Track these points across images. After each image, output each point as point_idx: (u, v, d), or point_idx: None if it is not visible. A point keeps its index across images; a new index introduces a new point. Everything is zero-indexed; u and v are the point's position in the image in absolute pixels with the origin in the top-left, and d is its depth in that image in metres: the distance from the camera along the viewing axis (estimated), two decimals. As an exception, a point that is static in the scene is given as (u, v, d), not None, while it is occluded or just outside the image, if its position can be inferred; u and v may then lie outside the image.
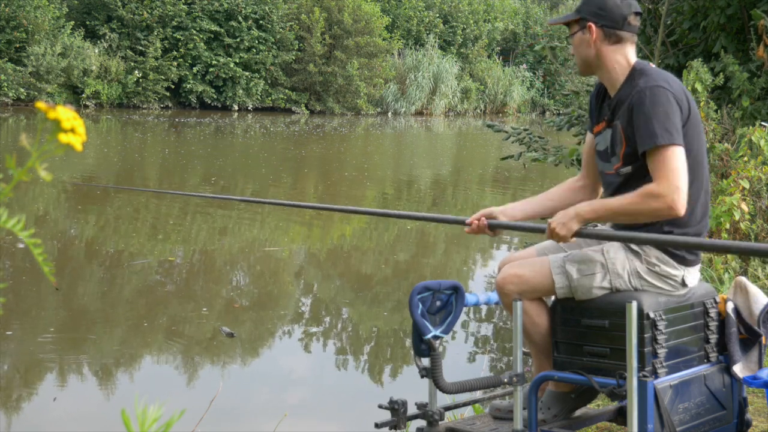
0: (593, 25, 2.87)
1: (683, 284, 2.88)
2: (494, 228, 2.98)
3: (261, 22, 31.58)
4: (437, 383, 2.93)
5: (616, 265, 2.84)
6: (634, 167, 2.81)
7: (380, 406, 3.06)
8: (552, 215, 2.90)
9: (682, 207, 2.65)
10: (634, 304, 2.71)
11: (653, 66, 2.90)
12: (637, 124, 2.75)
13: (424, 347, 2.93)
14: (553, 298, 3.01)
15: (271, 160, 18.39)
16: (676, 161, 2.67)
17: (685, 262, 2.86)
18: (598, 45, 2.87)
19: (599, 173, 3.01)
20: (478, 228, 2.98)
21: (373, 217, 12.50)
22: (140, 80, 29.14)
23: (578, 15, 2.90)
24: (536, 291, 2.94)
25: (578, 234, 2.79)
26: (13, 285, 7.58)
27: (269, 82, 31.89)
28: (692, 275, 2.91)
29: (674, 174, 2.65)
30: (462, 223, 3.03)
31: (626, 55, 2.89)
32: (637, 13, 2.87)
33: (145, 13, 29.42)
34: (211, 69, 30.40)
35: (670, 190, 2.64)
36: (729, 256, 5.55)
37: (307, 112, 32.38)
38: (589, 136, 3.09)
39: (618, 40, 2.87)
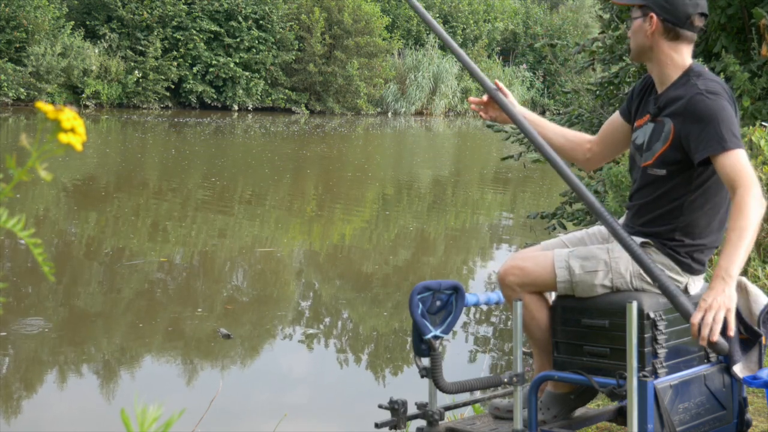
0: (655, 17, 2.77)
1: (686, 292, 2.87)
2: (496, 101, 2.99)
3: (261, 22, 31.58)
4: (437, 383, 2.93)
5: (620, 264, 2.84)
6: (669, 171, 2.76)
7: (380, 406, 3.06)
8: (552, 144, 2.94)
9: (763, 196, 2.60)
10: (635, 304, 2.71)
11: (708, 70, 2.84)
12: (701, 128, 2.67)
13: (424, 347, 2.93)
14: (554, 296, 3.01)
15: (271, 160, 18.39)
16: (746, 161, 2.62)
17: (690, 270, 2.85)
18: (656, 37, 2.79)
19: (631, 162, 2.97)
20: (483, 105, 3.06)
21: (373, 218, 12.50)
22: (140, 80, 29.14)
23: (644, 1, 2.81)
24: (537, 284, 2.93)
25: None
26: (13, 285, 7.58)
27: (269, 82, 31.89)
28: (696, 284, 2.90)
29: (750, 171, 2.60)
30: (488, 91, 3.03)
31: (682, 53, 2.81)
32: (702, 14, 2.79)
33: (145, 13, 29.42)
34: (211, 69, 30.40)
35: (757, 186, 2.57)
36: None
37: (307, 112, 32.38)
38: (617, 117, 3.05)
39: (676, 36, 2.78)
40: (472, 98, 3.12)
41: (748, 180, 2.56)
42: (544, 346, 3.00)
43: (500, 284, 3.00)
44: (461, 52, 3.12)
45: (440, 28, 3.25)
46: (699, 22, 2.79)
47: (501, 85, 3.04)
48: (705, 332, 2.41)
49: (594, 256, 2.87)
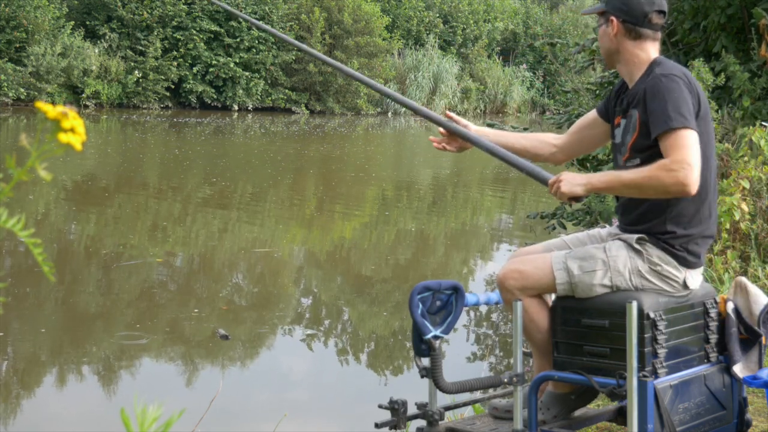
0: (615, 20, 2.92)
1: (685, 286, 2.87)
2: (452, 133, 3.15)
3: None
4: (437, 383, 2.93)
5: (618, 262, 2.84)
6: (643, 158, 2.81)
7: (380, 406, 3.06)
8: (514, 149, 3.09)
9: (693, 184, 2.64)
10: (634, 304, 2.71)
11: (679, 66, 2.92)
12: (650, 108, 2.77)
13: (424, 347, 2.93)
14: (554, 297, 3.01)
15: (271, 160, 18.39)
16: (689, 141, 2.68)
17: (686, 264, 2.86)
18: (619, 39, 2.93)
19: (614, 163, 3.04)
20: (440, 141, 3.20)
21: (373, 218, 12.51)
22: (140, 80, 29.13)
23: (604, 8, 2.97)
24: (537, 287, 2.94)
25: (577, 199, 2.81)
26: (13, 285, 7.58)
27: (269, 82, 31.88)
28: (694, 278, 2.90)
29: (688, 151, 2.66)
30: (441, 124, 3.20)
31: (647, 50, 2.92)
32: (660, 12, 2.91)
33: (145, 13, 29.42)
34: (211, 69, 30.40)
35: (682, 165, 2.64)
36: (729, 255, 5.55)
37: (307, 112, 32.38)
38: (593, 114, 3.15)
39: (638, 36, 2.91)
40: (431, 137, 3.26)
41: (678, 156, 2.65)
42: (543, 348, 3.00)
43: (499, 288, 3.00)
44: (401, 97, 3.37)
45: (372, 81, 3.50)
46: (658, 20, 2.91)
47: (452, 114, 3.22)
48: (553, 189, 2.82)
49: (591, 256, 2.88)
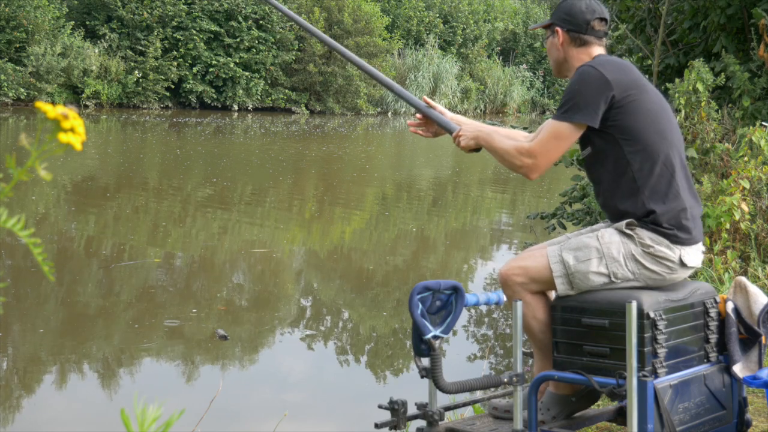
0: (560, 30, 3.07)
1: (681, 264, 2.88)
2: (425, 116, 3.31)
3: (261, 22, 31.58)
4: (437, 383, 2.93)
5: (612, 249, 2.87)
6: (593, 147, 2.97)
7: (380, 406, 3.06)
8: None
9: (535, 173, 2.96)
10: (634, 303, 2.72)
11: (612, 57, 3.06)
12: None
13: (424, 347, 2.93)
14: (554, 295, 3.01)
15: (271, 160, 18.39)
16: (559, 138, 2.92)
17: (679, 241, 2.88)
18: (565, 48, 3.07)
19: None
20: (417, 125, 3.35)
21: (373, 217, 12.51)
22: (140, 80, 29.13)
23: (550, 21, 3.13)
24: (538, 283, 2.95)
25: (475, 150, 3.15)
26: (13, 285, 7.58)
27: (269, 82, 31.88)
28: (691, 255, 2.91)
29: (550, 145, 2.92)
30: (416, 107, 3.35)
31: (591, 55, 3.05)
32: (601, 19, 3.06)
33: (145, 13, 29.42)
34: (211, 69, 30.39)
35: (535, 156, 2.93)
36: (729, 255, 5.55)
37: (307, 112, 32.38)
38: None
39: (583, 43, 3.05)
40: (409, 122, 3.41)
41: (536, 147, 2.94)
42: (545, 347, 3.00)
43: (502, 285, 3.01)
44: (382, 76, 3.45)
45: (359, 60, 3.59)
46: (600, 26, 3.07)
47: (429, 100, 3.35)
48: (455, 142, 3.17)
49: (585, 245, 2.91)
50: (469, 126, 3.20)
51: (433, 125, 3.34)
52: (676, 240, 2.87)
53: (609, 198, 2.96)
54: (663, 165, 2.90)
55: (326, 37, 3.58)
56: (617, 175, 2.91)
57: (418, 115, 3.35)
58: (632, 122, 2.89)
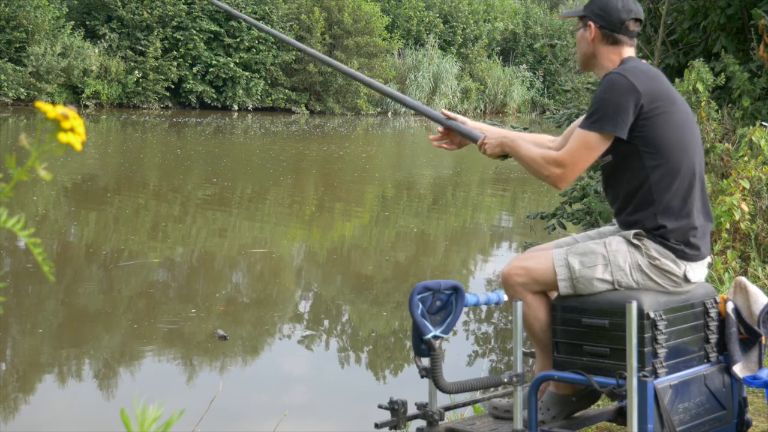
0: (593, 25, 2.99)
1: (686, 279, 2.88)
2: (447, 128, 3.25)
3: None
4: (437, 383, 2.93)
5: (618, 257, 2.86)
6: (614, 155, 2.91)
7: (380, 406, 3.06)
8: None
9: (563, 183, 2.92)
10: (634, 303, 2.72)
11: (642, 62, 2.99)
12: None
13: (424, 347, 2.93)
14: (555, 295, 3.01)
15: (271, 160, 18.39)
16: (589, 148, 2.86)
17: (685, 257, 2.87)
18: (596, 44, 3.00)
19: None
20: (440, 138, 3.29)
21: (373, 217, 12.51)
22: (140, 80, 29.13)
23: (583, 12, 3.03)
24: (540, 284, 2.95)
25: (499, 157, 3.09)
26: (13, 285, 7.58)
27: (269, 82, 31.88)
28: (696, 271, 2.91)
29: (580, 155, 2.87)
30: (437, 120, 3.30)
31: (621, 55, 2.99)
32: (636, 20, 2.98)
33: (145, 13, 29.41)
34: (211, 69, 30.39)
35: (564, 165, 2.88)
36: (729, 255, 5.55)
37: (307, 112, 32.38)
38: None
39: (614, 42, 2.98)
40: (431, 136, 3.36)
41: (565, 157, 2.88)
42: (546, 347, 3.00)
43: (504, 284, 3.01)
44: (402, 96, 3.43)
45: (377, 83, 3.57)
46: (634, 27, 2.99)
47: (448, 112, 3.30)
48: (481, 150, 3.12)
49: (592, 251, 2.90)
50: (493, 133, 3.14)
51: (456, 137, 3.27)
52: (682, 255, 2.86)
53: (622, 206, 2.94)
54: (681, 181, 2.86)
55: (346, 67, 3.58)
56: (634, 186, 2.88)
57: (439, 129, 3.28)
58: (658, 135, 2.85)
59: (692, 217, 2.88)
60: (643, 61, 3.01)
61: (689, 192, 2.87)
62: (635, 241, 2.86)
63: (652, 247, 2.85)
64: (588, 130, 2.86)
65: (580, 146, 2.87)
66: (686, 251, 2.86)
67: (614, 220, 3.07)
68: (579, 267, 2.88)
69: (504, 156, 3.08)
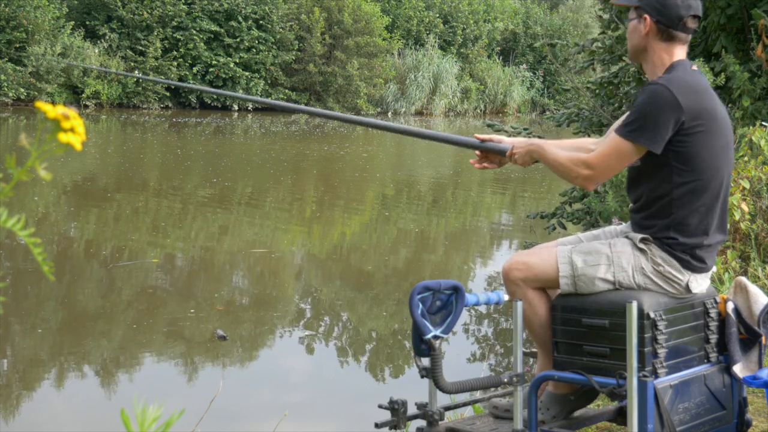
0: (648, 18, 2.87)
1: (687, 289, 2.87)
2: (480, 150, 3.21)
3: (261, 22, 31.57)
4: (437, 383, 2.93)
5: (622, 258, 2.85)
6: (642, 161, 2.85)
7: (380, 406, 3.05)
8: None
9: (593, 185, 2.89)
10: (635, 304, 2.71)
11: (693, 68, 2.89)
12: (629, 111, 2.86)
13: (424, 347, 2.93)
14: (555, 294, 3.01)
15: (271, 160, 18.39)
16: (621, 156, 2.81)
17: (690, 267, 2.85)
18: (649, 38, 2.89)
19: None
20: (480, 161, 3.25)
21: (373, 217, 12.50)
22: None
23: (639, 3, 2.91)
24: (540, 280, 2.94)
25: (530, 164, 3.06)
26: (13, 285, 7.58)
27: (269, 82, 31.88)
28: (699, 282, 2.90)
29: (611, 160, 2.82)
30: (473, 146, 3.26)
31: (673, 54, 2.88)
32: (695, 16, 2.86)
33: (145, 13, 29.41)
34: (211, 69, 30.40)
35: (594, 168, 2.84)
36: (729, 255, 5.55)
37: (307, 112, 32.32)
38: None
39: (669, 38, 2.88)
40: (472, 161, 3.32)
41: (601, 161, 2.83)
42: (546, 344, 3.00)
43: (504, 279, 3.01)
44: (436, 133, 3.43)
45: (409, 127, 3.61)
46: (692, 24, 2.88)
47: (481, 135, 3.26)
48: (512, 160, 3.10)
49: (596, 251, 2.90)
50: (520, 142, 3.09)
51: (494, 156, 3.22)
52: (688, 266, 2.85)
53: (640, 208, 2.91)
54: (704, 200, 2.81)
55: (371, 120, 3.61)
56: (656, 195, 2.84)
57: (477, 153, 3.25)
58: (692, 153, 2.78)
59: (706, 234, 2.85)
60: (694, 67, 2.91)
61: (709, 211, 2.84)
62: (641, 246, 2.85)
63: (658, 254, 2.84)
64: (623, 137, 2.79)
65: (612, 152, 2.81)
66: (692, 263, 2.85)
67: (614, 220, 3.07)
68: (582, 265, 2.88)
69: (535, 162, 3.06)
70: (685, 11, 2.84)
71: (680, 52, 2.90)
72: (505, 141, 3.18)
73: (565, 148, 3.13)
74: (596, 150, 2.87)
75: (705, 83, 2.89)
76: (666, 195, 2.81)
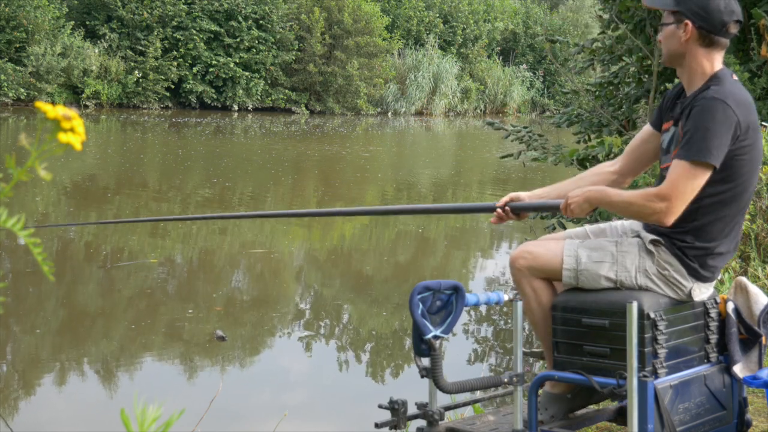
0: (690, 24, 2.78)
1: (689, 297, 2.86)
2: (517, 211, 3.02)
3: (261, 22, 31.58)
4: (437, 383, 2.93)
5: (626, 258, 2.85)
6: None
7: (380, 406, 3.05)
8: None
9: (671, 219, 2.72)
10: (635, 304, 2.72)
11: (734, 78, 2.83)
12: (686, 128, 2.74)
13: (424, 347, 2.93)
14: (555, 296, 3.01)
15: (272, 160, 18.39)
16: (694, 179, 2.69)
17: (696, 275, 2.84)
18: (690, 45, 2.80)
19: (659, 166, 2.99)
20: (501, 217, 3.03)
21: (373, 217, 12.50)
22: (140, 80, 29.14)
23: (677, 7, 2.80)
24: (545, 270, 2.94)
25: (585, 213, 2.86)
26: (12, 285, 7.58)
27: (269, 82, 31.88)
28: (702, 291, 2.89)
29: (682, 187, 2.69)
30: (490, 209, 3.08)
31: (713, 60, 2.82)
32: (737, 21, 2.79)
33: (145, 13, 29.42)
34: (211, 69, 30.40)
35: (669, 200, 2.69)
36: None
37: (307, 112, 32.37)
38: (647, 128, 3.05)
39: (711, 44, 2.79)
40: (492, 219, 3.10)
41: (675, 190, 2.69)
42: (546, 336, 3.00)
43: (510, 267, 3.02)
44: (452, 205, 3.39)
45: (423, 205, 3.60)
46: (734, 29, 2.80)
47: (500, 202, 3.05)
48: (567, 213, 2.86)
49: (602, 247, 2.90)
50: (574, 192, 2.87)
51: (521, 214, 3.05)
52: (693, 273, 2.84)
53: None
54: (729, 211, 2.79)
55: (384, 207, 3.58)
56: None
57: (499, 212, 3.04)
58: (737, 167, 2.74)
59: (723, 244, 2.84)
60: (734, 76, 2.85)
61: (731, 221, 2.83)
62: (650, 248, 2.84)
63: (666, 258, 2.83)
64: (690, 161, 2.68)
65: (682, 176, 2.69)
66: (699, 271, 2.84)
67: (613, 218, 3.05)
68: (586, 260, 2.88)
69: (594, 209, 2.87)
70: (728, 17, 2.75)
71: (720, 58, 2.84)
72: (522, 196, 3.03)
73: (586, 178, 3.06)
74: (666, 181, 2.73)
75: (749, 95, 2.84)
76: (695, 202, 2.76)
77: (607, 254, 2.88)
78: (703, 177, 2.69)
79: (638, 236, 2.93)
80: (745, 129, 2.72)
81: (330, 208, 3.25)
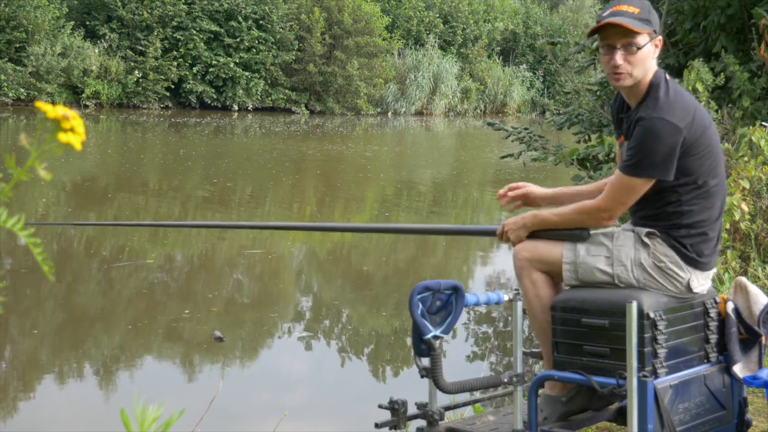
0: (659, 38, 2.83)
1: (689, 288, 2.87)
2: (465, 234, 3.17)
3: (261, 22, 31.58)
4: (437, 383, 2.93)
5: (621, 252, 2.86)
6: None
7: (380, 406, 3.06)
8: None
9: (614, 221, 2.91)
10: (634, 303, 2.72)
11: (668, 84, 2.82)
12: (629, 147, 2.81)
13: (424, 347, 2.93)
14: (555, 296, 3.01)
15: (271, 160, 18.39)
16: (635, 192, 2.81)
17: (694, 264, 2.86)
18: (652, 59, 2.83)
19: None
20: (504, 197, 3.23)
21: (373, 217, 12.50)
22: (140, 80, 29.14)
23: (651, 27, 2.80)
24: (546, 262, 2.96)
25: (521, 239, 3.00)
26: (12, 285, 7.58)
27: (269, 82, 31.88)
28: (700, 281, 2.90)
29: (626, 200, 2.83)
30: (491, 233, 3.21)
31: (653, 68, 2.87)
32: None
33: (145, 13, 29.42)
34: (211, 69, 30.40)
35: (607, 212, 2.86)
36: (729, 255, 5.55)
37: (307, 112, 32.37)
38: (618, 145, 3.10)
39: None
40: (503, 203, 3.27)
41: (611, 202, 2.84)
42: (545, 332, 3.00)
43: (513, 259, 3.04)
44: (456, 227, 3.45)
45: (426, 225, 3.65)
46: None
47: (504, 190, 3.24)
48: (503, 239, 3.04)
49: (599, 242, 2.93)
50: (510, 219, 3.03)
51: (517, 196, 3.22)
52: (692, 263, 2.85)
53: (650, 204, 2.89)
54: (709, 201, 2.84)
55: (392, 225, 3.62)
56: (664, 202, 2.85)
57: (503, 192, 3.25)
58: (695, 164, 2.79)
59: (712, 227, 2.88)
60: (666, 76, 2.86)
61: (714, 204, 2.86)
62: (646, 240, 2.86)
63: (662, 249, 2.84)
64: (631, 176, 2.78)
65: (623, 190, 2.81)
66: (697, 259, 2.86)
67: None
68: (583, 253, 2.90)
69: (533, 231, 2.99)
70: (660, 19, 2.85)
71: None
72: (535, 191, 3.18)
73: (580, 194, 3.13)
74: (604, 193, 2.86)
75: (684, 93, 2.85)
76: (674, 201, 2.83)
77: (603, 248, 2.90)
78: (643, 188, 2.81)
79: (632, 230, 2.94)
80: (693, 131, 2.76)
81: (330, 223, 3.35)
